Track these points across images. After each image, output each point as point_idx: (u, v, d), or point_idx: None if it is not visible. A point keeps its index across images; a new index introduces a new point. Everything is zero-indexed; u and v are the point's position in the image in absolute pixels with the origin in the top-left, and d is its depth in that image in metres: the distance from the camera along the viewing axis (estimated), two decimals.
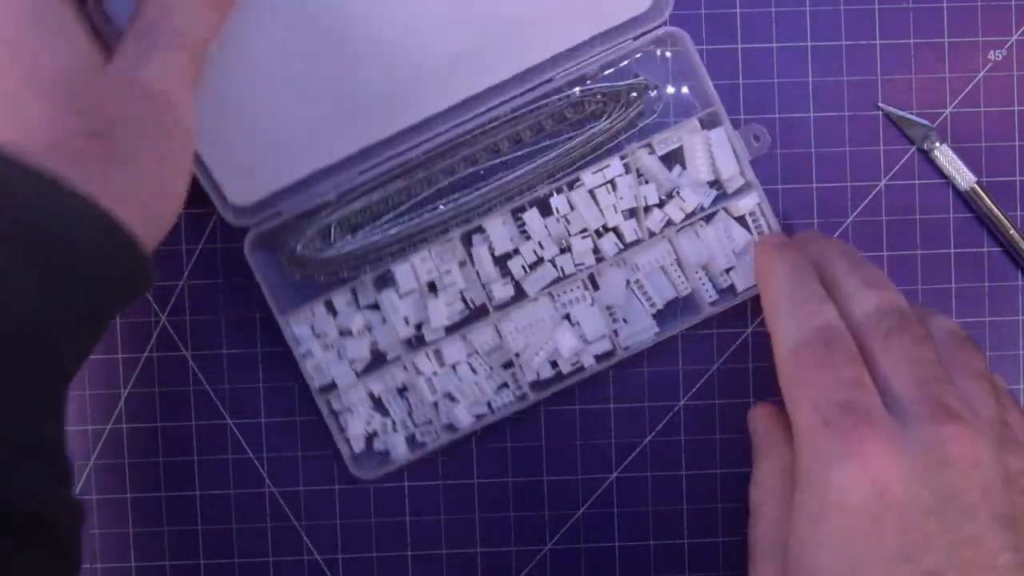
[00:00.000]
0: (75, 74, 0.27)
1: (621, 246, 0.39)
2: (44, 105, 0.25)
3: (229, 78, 0.36)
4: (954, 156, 0.40)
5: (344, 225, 0.39)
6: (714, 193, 0.40)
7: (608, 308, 0.39)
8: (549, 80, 0.39)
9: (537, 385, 0.39)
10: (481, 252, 0.39)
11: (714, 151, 0.39)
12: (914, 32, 0.41)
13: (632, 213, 0.39)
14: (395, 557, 0.41)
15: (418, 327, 0.39)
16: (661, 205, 0.39)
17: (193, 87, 0.31)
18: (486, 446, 0.41)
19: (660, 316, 0.40)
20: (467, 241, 0.39)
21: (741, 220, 0.40)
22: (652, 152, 0.39)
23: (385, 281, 0.39)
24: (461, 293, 0.39)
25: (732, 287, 0.40)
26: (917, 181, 0.41)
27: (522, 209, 0.39)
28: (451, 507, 0.41)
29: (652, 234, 0.39)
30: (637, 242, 0.39)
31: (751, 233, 0.39)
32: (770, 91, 0.41)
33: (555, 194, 0.39)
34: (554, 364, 0.39)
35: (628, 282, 0.39)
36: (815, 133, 0.41)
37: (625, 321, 0.40)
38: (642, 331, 0.39)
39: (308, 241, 0.39)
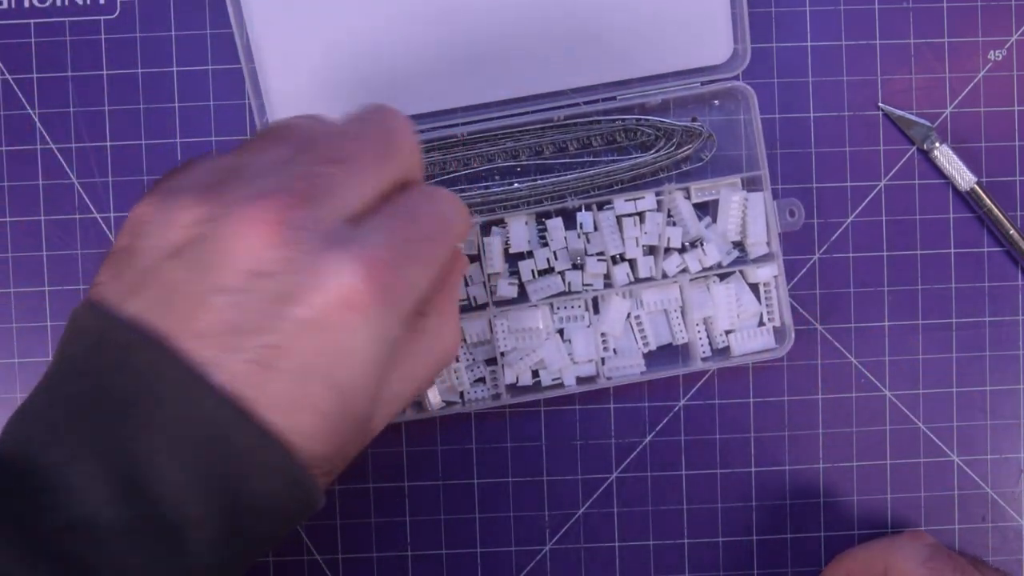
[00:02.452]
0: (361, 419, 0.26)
1: (632, 279, 0.39)
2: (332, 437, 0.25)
3: (314, 10, 0.38)
4: (954, 156, 0.40)
5: None
6: (736, 254, 0.40)
7: (602, 335, 0.39)
8: (610, 99, 0.39)
9: (513, 389, 0.39)
10: (495, 245, 0.39)
11: (748, 214, 0.39)
12: (914, 32, 0.41)
13: (652, 250, 0.39)
14: (395, 557, 0.41)
15: None
16: (682, 251, 0.39)
17: None
18: (486, 445, 0.41)
19: (650, 357, 0.40)
20: (485, 231, 0.39)
21: (754, 287, 0.40)
22: (688, 197, 0.40)
23: None
24: (465, 279, 0.39)
25: (727, 348, 0.40)
26: (917, 181, 0.41)
27: (547, 215, 0.39)
28: (451, 507, 0.41)
29: (665, 276, 0.39)
30: (649, 279, 0.39)
31: (760, 303, 0.40)
32: (770, 90, 0.41)
33: (583, 210, 0.39)
34: (535, 374, 0.39)
35: (629, 315, 0.40)
36: (815, 133, 0.41)
37: (615, 352, 0.40)
38: (629, 366, 0.39)
39: None
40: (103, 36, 0.40)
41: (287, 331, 0.23)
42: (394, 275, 0.24)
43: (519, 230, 0.39)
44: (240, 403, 0.22)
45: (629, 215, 0.39)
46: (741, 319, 0.40)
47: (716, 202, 0.40)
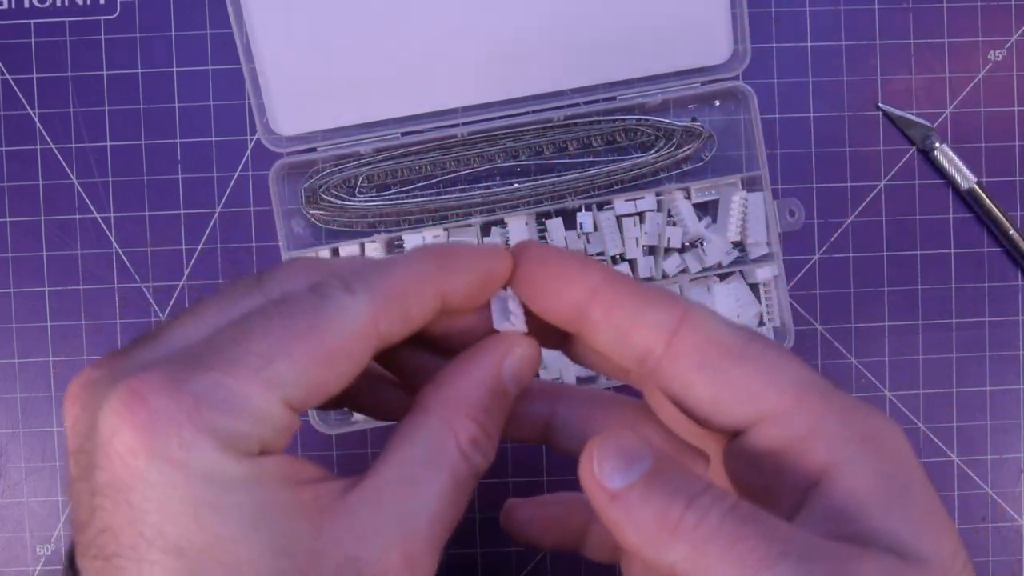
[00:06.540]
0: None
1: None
2: None
3: (314, 9, 0.38)
4: (954, 156, 0.40)
5: (371, 181, 0.39)
6: (736, 254, 0.40)
7: None
8: (610, 99, 0.39)
9: None
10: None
11: (748, 214, 0.39)
12: (914, 32, 0.41)
13: (652, 250, 0.39)
14: None
15: None
16: (682, 251, 0.39)
17: None
18: None
19: None
20: (485, 231, 0.39)
21: (754, 288, 0.40)
22: (688, 197, 0.40)
23: (393, 247, 0.39)
24: None
25: None
26: (917, 181, 0.41)
27: (547, 215, 0.39)
28: None
29: (665, 276, 0.39)
30: (649, 279, 0.39)
31: (761, 303, 0.40)
32: (770, 90, 0.41)
33: (583, 210, 0.39)
34: (535, 373, 0.39)
35: None
36: (815, 133, 0.41)
37: None
38: None
39: (333, 186, 0.39)
40: (103, 36, 0.40)
41: (104, 507, 0.18)
42: (177, 387, 0.18)
43: (519, 230, 0.39)
44: None
45: (629, 215, 0.39)
46: (741, 319, 0.39)
47: (716, 202, 0.40)
